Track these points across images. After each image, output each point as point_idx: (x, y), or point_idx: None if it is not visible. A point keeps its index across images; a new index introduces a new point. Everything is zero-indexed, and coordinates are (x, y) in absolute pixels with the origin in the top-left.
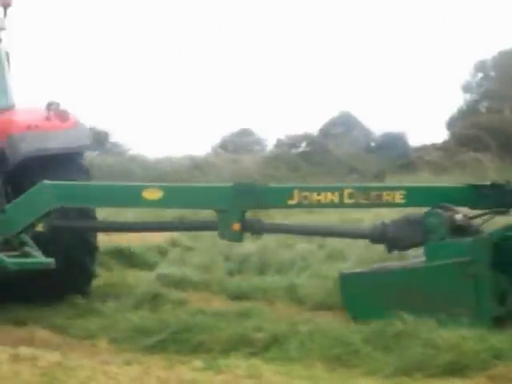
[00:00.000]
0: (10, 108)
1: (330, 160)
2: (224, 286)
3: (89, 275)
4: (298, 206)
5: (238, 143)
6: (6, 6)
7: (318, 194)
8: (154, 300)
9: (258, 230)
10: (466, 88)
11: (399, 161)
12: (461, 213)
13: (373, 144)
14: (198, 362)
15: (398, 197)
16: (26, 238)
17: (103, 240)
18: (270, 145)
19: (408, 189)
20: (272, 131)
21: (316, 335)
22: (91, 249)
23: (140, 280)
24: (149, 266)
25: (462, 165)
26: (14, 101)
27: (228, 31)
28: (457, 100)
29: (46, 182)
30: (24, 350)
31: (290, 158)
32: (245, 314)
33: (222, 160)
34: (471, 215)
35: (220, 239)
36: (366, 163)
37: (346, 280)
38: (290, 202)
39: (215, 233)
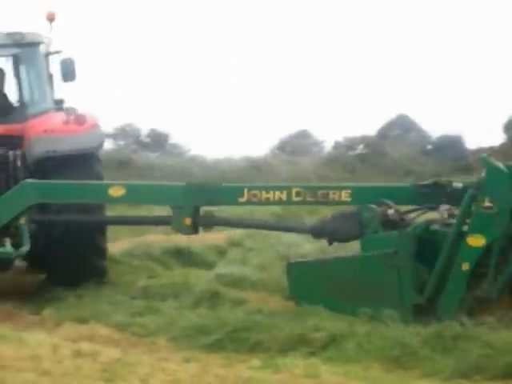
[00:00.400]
0: (45, 112)
1: (387, 162)
2: (282, 286)
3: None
4: (248, 203)
5: (296, 145)
6: (50, 20)
7: (267, 193)
8: (212, 299)
9: (208, 223)
10: None
11: (456, 163)
12: (393, 208)
13: (429, 146)
14: (255, 361)
15: (344, 195)
16: (23, 228)
17: (162, 240)
18: (327, 147)
19: (353, 188)
20: (330, 133)
21: (374, 336)
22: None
23: (199, 279)
24: (208, 265)
25: None
26: (48, 106)
27: (286, 31)
28: None
29: (27, 180)
30: (85, 346)
31: (347, 160)
32: (302, 313)
33: (280, 161)
34: (403, 210)
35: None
36: (423, 165)
37: (291, 269)
38: (241, 200)
39: (273, 233)
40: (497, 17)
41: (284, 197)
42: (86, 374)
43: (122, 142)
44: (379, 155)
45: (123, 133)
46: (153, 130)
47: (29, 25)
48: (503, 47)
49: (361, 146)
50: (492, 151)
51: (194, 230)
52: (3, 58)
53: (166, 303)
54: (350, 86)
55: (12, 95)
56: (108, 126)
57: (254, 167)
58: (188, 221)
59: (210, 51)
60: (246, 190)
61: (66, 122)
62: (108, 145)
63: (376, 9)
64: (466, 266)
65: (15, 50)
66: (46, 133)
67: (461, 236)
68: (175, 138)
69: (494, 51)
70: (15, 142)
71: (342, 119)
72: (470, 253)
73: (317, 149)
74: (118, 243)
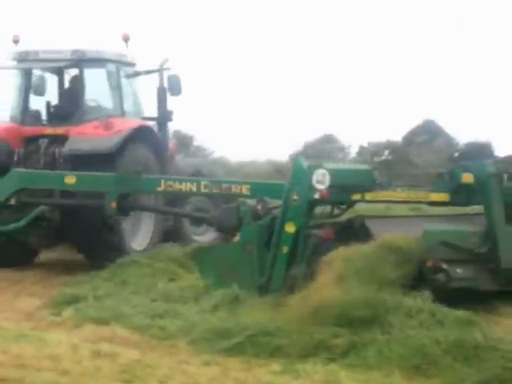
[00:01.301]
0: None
1: (412, 169)
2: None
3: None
4: (165, 192)
5: (320, 149)
6: (126, 40)
7: (180, 184)
8: (233, 303)
9: (129, 208)
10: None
11: None
12: (262, 203)
13: (456, 154)
14: (275, 366)
15: (245, 189)
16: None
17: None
18: (352, 152)
19: (252, 183)
20: (355, 138)
21: (394, 344)
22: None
23: None
24: None
25: None
26: (107, 112)
27: (313, 34)
28: None
29: (15, 169)
30: (105, 347)
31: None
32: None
33: None
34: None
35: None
36: None
37: (195, 253)
38: (158, 189)
39: None
40: None
41: (194, 188)
42: (104, 374)
43: None
44: (404, 162)
45: None
46: (177, 132)
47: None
48: None
49: (386, 152)
50: None
51: (120, 212)
52: (68, 70)
53: (187, 306)
54: (377, 89)
55: (74, 102)
56: None
57: (278, 171)
58: (114, 205)
59: (236, 53)
60: (162, 181)
61: (97, 127)
62: None
63: (404, 13)
64: (285, 249)
65: (76, 65)
66: (78, 135)
67: (283, 224)
68: (200, 140)
69: None
70: (64, 141)
71: (368, 124)
72: (287, 238)
73: (342, 154)
74: None
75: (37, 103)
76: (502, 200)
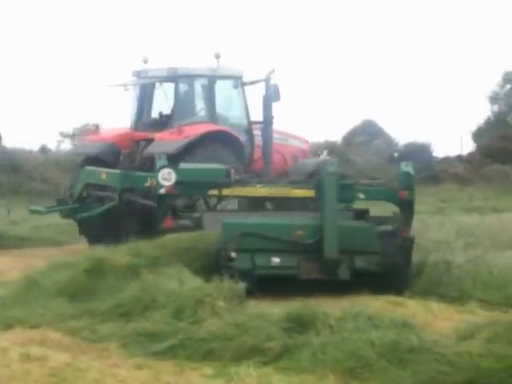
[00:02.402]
0: (189, 124)
1: (351, 169)
2: None
3: None
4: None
5: None
6: (217, 58)
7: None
8: None
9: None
10: (494, 99)
11: (423, 172)
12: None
13: (396, 154)
14: (208, 369)
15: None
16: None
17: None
18: None
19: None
20: None
21: (328, 347)
22: None
23: None
24: None
25: (488, 177)
26: (198, 119)
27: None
28: (483, 111)
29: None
30: (34, 350)
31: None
32: (257, 323)
33: None
34: None
35: None
36: (388, 174)
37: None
38: (146, 184)
39: None
40: (468, 24)
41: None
42: (33, 378)
43: None
44: (343, 162)
45: None
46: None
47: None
48: (472, 55)
49: (325, 152)
50: (460, 160)
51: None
52: (165, 84)
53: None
54: (317, 90)
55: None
56: None
57: None
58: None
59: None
60: (149, 178)
61: (172, 133)
62: None
63: (349, 15)
64: None
65: (171, 79)
66: (159, 139)
67: None
68: None
69: (463, 59)
70: None
71: (307, 124)
72: None
73: None
74: None
75: (148, 112)
76: (335, 196)
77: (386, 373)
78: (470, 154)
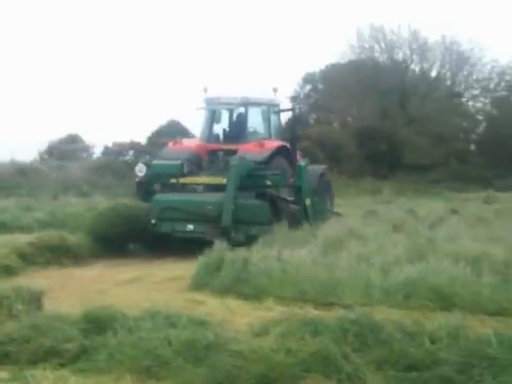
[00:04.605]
0: (260, 139)
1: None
2: None
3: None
4: None
5: (65, 150)
6: (275, 91)
7: None
8: None
9: None
10: (294, 99)
11: None
12: None
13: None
14: (3, 373)
15: None
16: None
17: None
18: (97, 152)
19: None
20: (100, 138)
21: (125, 347)
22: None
23: None
24: None
25: None
26: (263, 136)
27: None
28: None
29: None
30: None
31: (118, 166)
32: (54, 324)
33: (49, 167)
34: None
35: None
36: None
37: None
38: None
39: None
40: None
41: None
42: None
43: None
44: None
45: None
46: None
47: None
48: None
49: (131, 152)
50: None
51: None
52: (239, 108)
53: None
54: (126, 90)
55: (241, 129)
56: None
57: (22, 173)
58: None
59: None
60: None
61: (255, 145)
62: None
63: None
64: None
65: (243, 105)
66: (244, 150)
67: None
68: None
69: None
70: (234, 154)
71: (114, 124)
72: None
73: (86, 154)
74: None
75: (216, 129)
76: (235, 182)
77: (183, 371)
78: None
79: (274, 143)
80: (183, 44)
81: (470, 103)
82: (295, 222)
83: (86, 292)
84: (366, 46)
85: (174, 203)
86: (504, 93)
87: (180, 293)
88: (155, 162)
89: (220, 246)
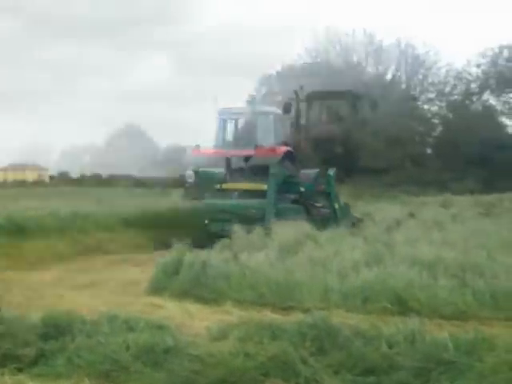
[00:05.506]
0: (269, 145)
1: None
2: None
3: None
4: None
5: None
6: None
7: None
8: None
9: None
10: (250, 102)
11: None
12: None
13: (160, 157)
14: None
15: None
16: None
17: None
18: (55, 155)
19: None
20: (58, 141)
21: (84, 351)
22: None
23: None
24: None
25: None
26: (273, 142)
27: None
28: None
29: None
30: None
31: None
32: (12, 329)
33: None
34: None
35: None
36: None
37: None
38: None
39: None
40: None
41: None
42: None
43: None
44: (108, 166)
45: None
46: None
47: None
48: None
49: (87, 157)
50: None
51: None
52: (252, 117)
53: None
54: (80, 93)
55: (252, 136)
56: None
57: None
58: None
59: None
60: None
61: (268, 150)
62: None
63: None
64: None
65: (255, 115)
66: (257, 154)
67: None
68: None
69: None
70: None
71: (70, 128)
72: None
73: (43, 157)
74: None
75: (229, 136)
76: (274, 189)
77: (142, 375)
78: None
79: (283, 148)
80: None
81: (426, 107)
82: (326, 224)
83: (43, 296)
84: (321, 48)
85: (224, 207)
86: (459, 97)
87: (138, 297)
88: (202, 169)
89: (177, 246)
